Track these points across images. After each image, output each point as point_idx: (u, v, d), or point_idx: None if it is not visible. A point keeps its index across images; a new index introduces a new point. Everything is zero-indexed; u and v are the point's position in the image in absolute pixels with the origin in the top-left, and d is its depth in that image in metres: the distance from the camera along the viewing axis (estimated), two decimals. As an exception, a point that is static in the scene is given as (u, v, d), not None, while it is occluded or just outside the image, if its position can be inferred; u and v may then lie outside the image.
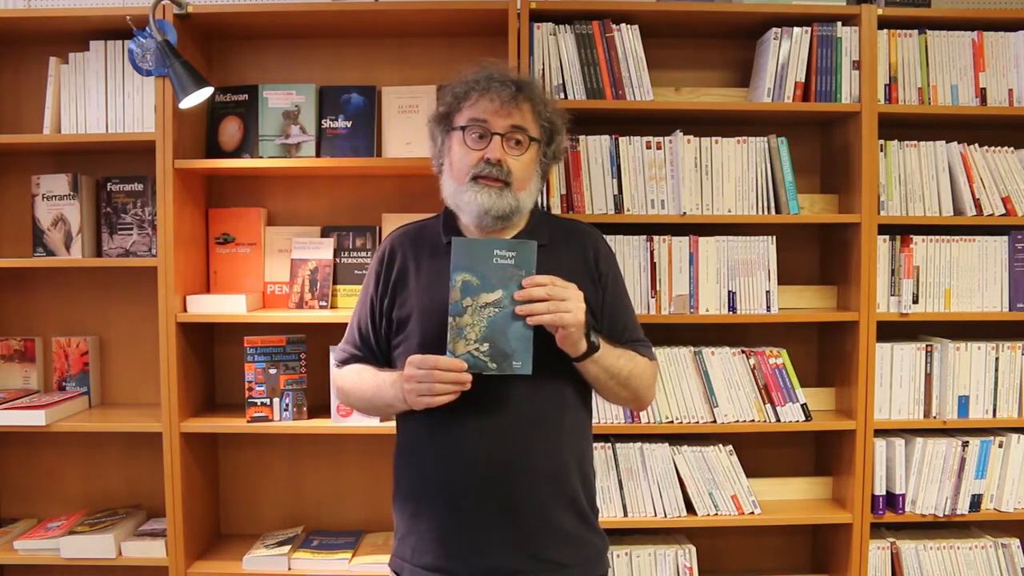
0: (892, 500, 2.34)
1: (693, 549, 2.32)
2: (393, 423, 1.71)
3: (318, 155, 2.41)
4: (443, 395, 1.46)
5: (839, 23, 2.28)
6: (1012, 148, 2.35)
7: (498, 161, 1.55)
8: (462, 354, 1.46)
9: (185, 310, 2.30)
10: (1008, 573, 2.35)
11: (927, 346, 2.34)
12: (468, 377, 1.45)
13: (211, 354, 2.53)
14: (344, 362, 1.73)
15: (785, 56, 2.28)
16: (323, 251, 2.42)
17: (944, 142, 2.33)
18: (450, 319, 1.46)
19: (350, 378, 1.69)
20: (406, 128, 2.40)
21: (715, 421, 2.30)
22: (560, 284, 1.47)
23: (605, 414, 2.28)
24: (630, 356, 1.61)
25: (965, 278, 2.33)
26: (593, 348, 1.52)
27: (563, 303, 1.45)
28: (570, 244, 1.67)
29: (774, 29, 2.28)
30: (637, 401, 1.67)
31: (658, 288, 2.29)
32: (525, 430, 1.55)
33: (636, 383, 1.61)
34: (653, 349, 1.72)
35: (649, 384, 1.66)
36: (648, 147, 2.29)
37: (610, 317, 1.65)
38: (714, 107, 2.33)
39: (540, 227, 1.66)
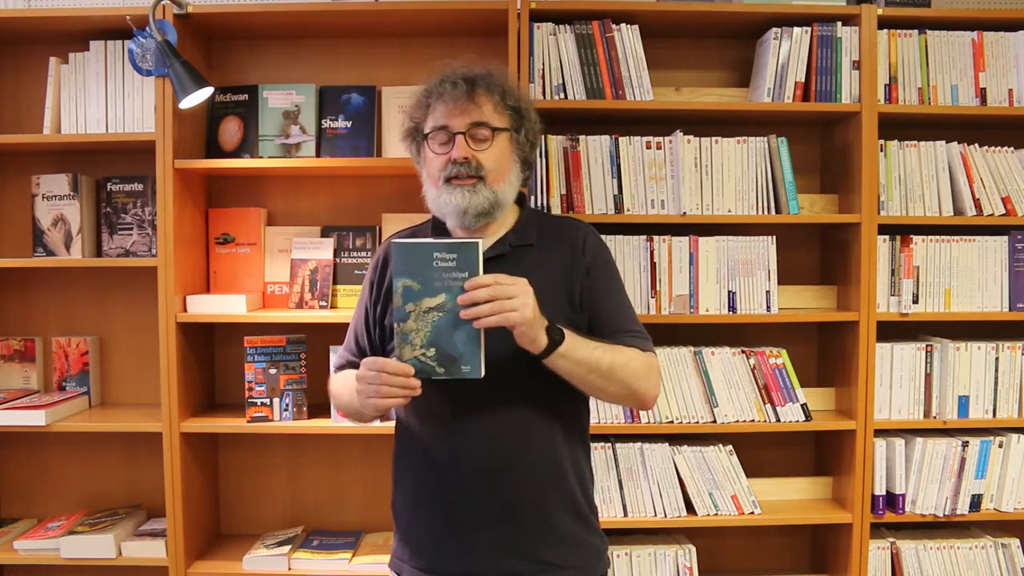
0: (892, 500, 2.34)
1: (693, 549, 2.32)
2: (392, 423, 1.71)
3: (318, 155, 2.41)
4: (390, 398, 1.43)
5: (839, 23, 2.28)
6: (1012, 148, 2.35)
7: (464, 159, 1.53)
8: (409, 359, 1.42)
9: (185, 310, 2.30)
10: (1008, 573, 2.34)
11: (927, 346, 2.34)
12: (416, 383, 1.42)
13: (211, 354, 2.53)
14: (339, 368, 1.73)
15: (785, 56, 2.28)
16: (323, 251, 2.42)
17: (944, 142, 2.33)
18: (395, 325, 1.42)
19: (338, 382, 1.69)
20: (406, 128, 2.40)
21: (715, 421, 2.30)
22: (505, 281, 1.39)
23: (605, 414, 2.28)
24: (611, 348, 1.52)
25: (965, 278, 2.33)
26: (555, 343, 1.44)
27: (508, 302, 1.38)
28: (560, 241, 1.63)
29: (774, 29, 2.28)
30: (633, 396, 1.56)
31: (658, 288, 2.29)
32: (520, 431, 1.54)
33: (622, 375, 1.51)
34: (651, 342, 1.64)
35: (643, 375, 1.54)
36: (648, 147, 2.29)
37: (593, 306, 1.58)
38: (714, 107, 2.33)
39: (529, 226, 1.63)
